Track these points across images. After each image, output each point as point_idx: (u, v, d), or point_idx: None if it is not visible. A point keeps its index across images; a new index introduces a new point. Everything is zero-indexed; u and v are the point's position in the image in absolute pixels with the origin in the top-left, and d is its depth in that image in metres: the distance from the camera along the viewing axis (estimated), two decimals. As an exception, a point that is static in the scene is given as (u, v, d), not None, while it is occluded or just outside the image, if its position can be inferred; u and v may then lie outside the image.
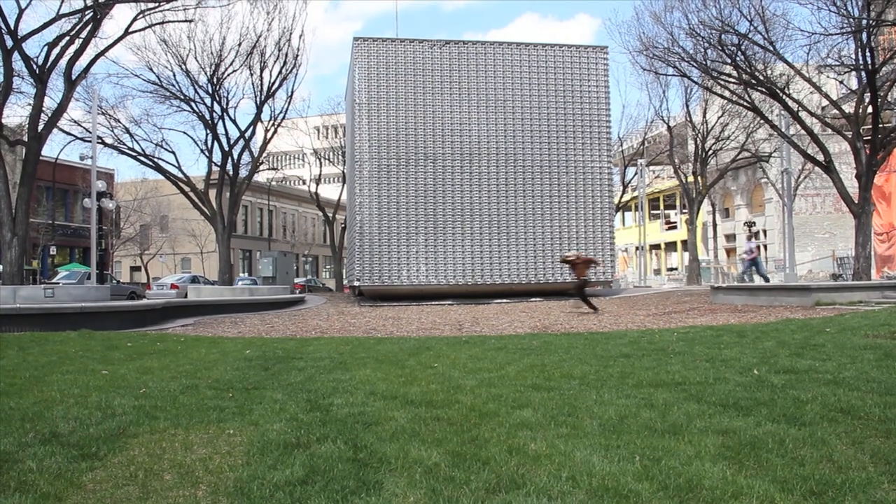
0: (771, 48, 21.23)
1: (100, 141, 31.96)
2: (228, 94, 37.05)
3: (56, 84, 26.42)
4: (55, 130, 27.71)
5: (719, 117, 38.29)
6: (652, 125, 45.29)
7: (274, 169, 57.84)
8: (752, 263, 24.27)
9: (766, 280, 23.89)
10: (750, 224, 36.37)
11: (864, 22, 19.13)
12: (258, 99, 35.32)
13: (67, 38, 23.37)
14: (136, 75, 37.99)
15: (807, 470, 3.89)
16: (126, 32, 26.03)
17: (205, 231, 51.18)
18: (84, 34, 23.61)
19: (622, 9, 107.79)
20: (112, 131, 34.43)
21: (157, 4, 25.71)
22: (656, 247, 63.80)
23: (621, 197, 47.76)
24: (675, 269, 59.53)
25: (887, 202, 33.69)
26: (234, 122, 37.26)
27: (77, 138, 33.25)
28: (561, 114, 26.62)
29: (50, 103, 25.91)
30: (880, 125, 20.65)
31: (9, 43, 22.10)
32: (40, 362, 8.98)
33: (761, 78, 22.10)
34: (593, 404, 5.78)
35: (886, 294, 16.53)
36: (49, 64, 23.32)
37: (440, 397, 6.19)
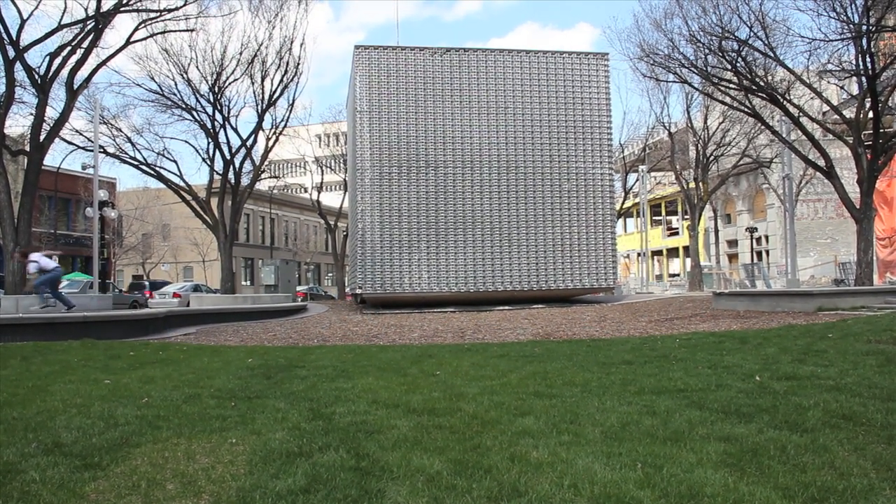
0: (771, 54, 21.27)
1: (102, 150, 32.06)
2: (230, 102, 37.15)
3: (58, 94, 26.56)
4: (57, 140, 27.81)
5: (720, 123, 38.36)
6: (653, 131, 45.39)
7: (275, 177, 57.94)
8: (48, 285, 16.56)
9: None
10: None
11: (864, 27, 19.17)
12: (259, 107, 35.43)
13: (69, 48, 23.47)
14: (137, 84, 37.93)
15: (808, 477, 3.89)
16: (127, 42, 26.15)
17: (207, 240, 51.27)
18: (86, 44, 23.73)
19: (622, 16, 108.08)
20: (114, 141, 34.56)
21: (158, 14, 25.83)
22: (658, 253, 63.79)
23: (623, 203, 47.76)
24: (677, 275, 59.51)
25: (889, 207, 33.70)
26: (235, 130, 37.28)
27: (79, 148, 33.38)
28: (562, 120, 26.63)
29: (52, 113, 26.03)
30: (881, 130, 20.66)
31: (11, 53, 22.20)
32: (43, 372, 8.98)
33: (762, 84, 22.14)
34: (595, 412, 5.77)
35: (888, 299, 16.50)
36: (51, 74, 23.41)
37: (442, 405, 6.19)
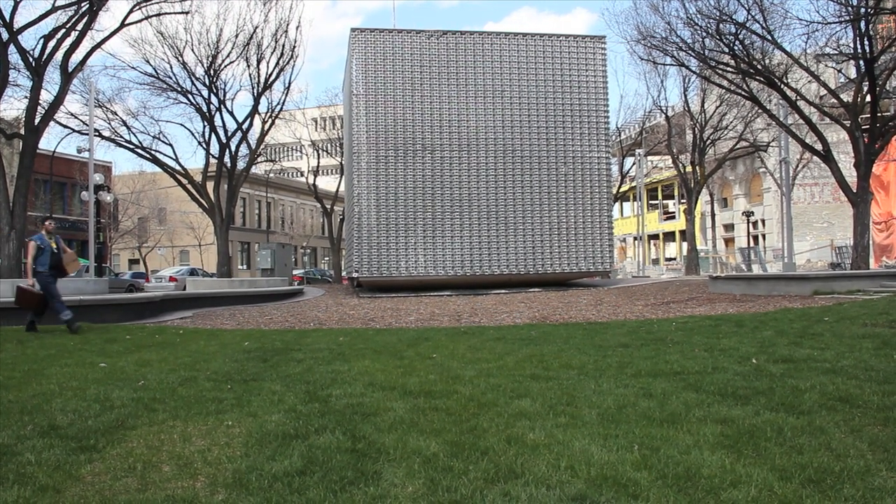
0: (769, 37, 21.15)
1: (97, 134, 31.87)
2: (226, 85, 37.19)
3: (53, 77, 26.39)
4: (52, 123, 27.66)
5: (717, 107, 38.24)
6: (650, 115, 45.21)
7: (272, 161, 57.69)
8: None
9: None
10: None
11: (863, 10, 19.07)
12: (255, 91, 35.25)
13: (63, 30, 23.29)
14: (132, 67, 38.10)
15: (805, 458, 3.89)
16: (122, 24, 25.96)
17: (203, 223, 51.18)
18: (80, 26, 23.54)
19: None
20: (109, 124, 34.41)
21: (153, -4, 25.62)
22: (654, 237, 63.87)
23: (619, 187, 47.70)
24: (674, 258, 59.64)
25: (886, 191, 33.71)
26: (231, 114, 37.04)
27: (74, 131, 33.19)
28: (559, 104, 26.55)
29: (47, 96, 25.87)
30: (879, 114, 20.60)
31: (4, 36, 22.02)
32: (39, 355, 8.97)
33: (759, 67, 22.03)
34: (592, 394, 5.77)
35: (884, 283, 16.53)
36: (45, 57, 23.23)
37: (439, 388, 6.19)
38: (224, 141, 35.34)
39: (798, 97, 22.94)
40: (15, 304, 12.50)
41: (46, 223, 13.04)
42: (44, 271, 12.28)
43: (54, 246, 12.52)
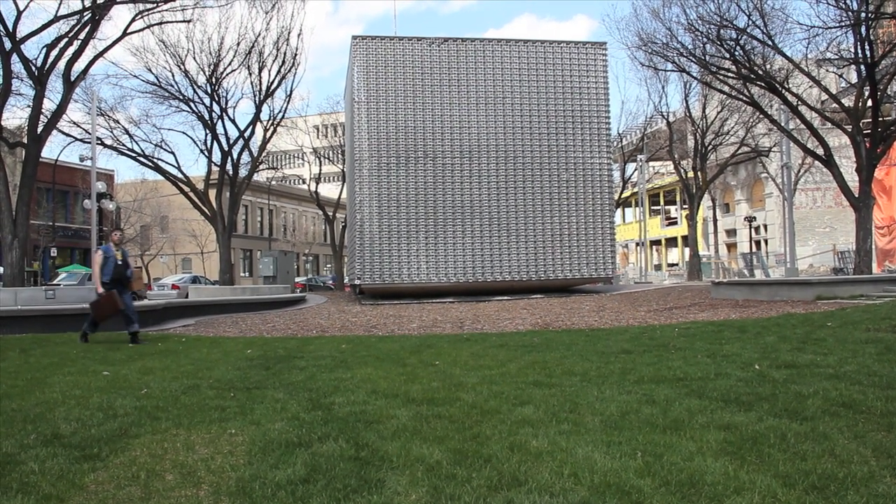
0: (770, 42, 21.20)
1: (99, 142, 31.96)
2: (227, 93, 37.18)
3: (55, 86, 26.46)
4: (55, 132, 27.77)
5: (719, 112, 38.26)
6: (651, 121, 45.27)
7: (274, 168, 57.77)
8: None
9: None
10: None
11: (863, 15, 19.10)
12: (257, 98, 35.32)
13: (66, 39, 23.37)
14: (134, 76, 38.20)
15: (809, 464, 3.89)
16: (124, 33, 26.03)
17: (205, 231, 51.18)
18: (82, 36, 23.62)
19: (620, 5, 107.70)
20: (111, 132, 34.48)
21: (155, 5, 25.69)
22: (657, 242, 63.80)
23: (621, 193, 47.72)
24: (676, 264, 59.55)
25: (888, 196, 33.73)
26: (233, 121, 37.17)
27: (76, 140, 33.34)
28: (560, 110, 26.54)
29: (49, 105, 25.97)
30: (880, 118, 20.62)
31: (7, 45, 22.10)
32: (42, 364, 8.98)
33: (760, 72, 22.07)
34: (595, 401, 5.77)
35: (887, 288, 16.51)
36: (48, 66, 23.32)
37: (441, 395, 6.19)
38: (226, 149, 35.41)
39: (799, 102, 22.96)
40: (95, 319, 11.97)
41: (114, 234, 12.80)
42: (106, 282, 12.09)
43: (119, 258, 12.31)
